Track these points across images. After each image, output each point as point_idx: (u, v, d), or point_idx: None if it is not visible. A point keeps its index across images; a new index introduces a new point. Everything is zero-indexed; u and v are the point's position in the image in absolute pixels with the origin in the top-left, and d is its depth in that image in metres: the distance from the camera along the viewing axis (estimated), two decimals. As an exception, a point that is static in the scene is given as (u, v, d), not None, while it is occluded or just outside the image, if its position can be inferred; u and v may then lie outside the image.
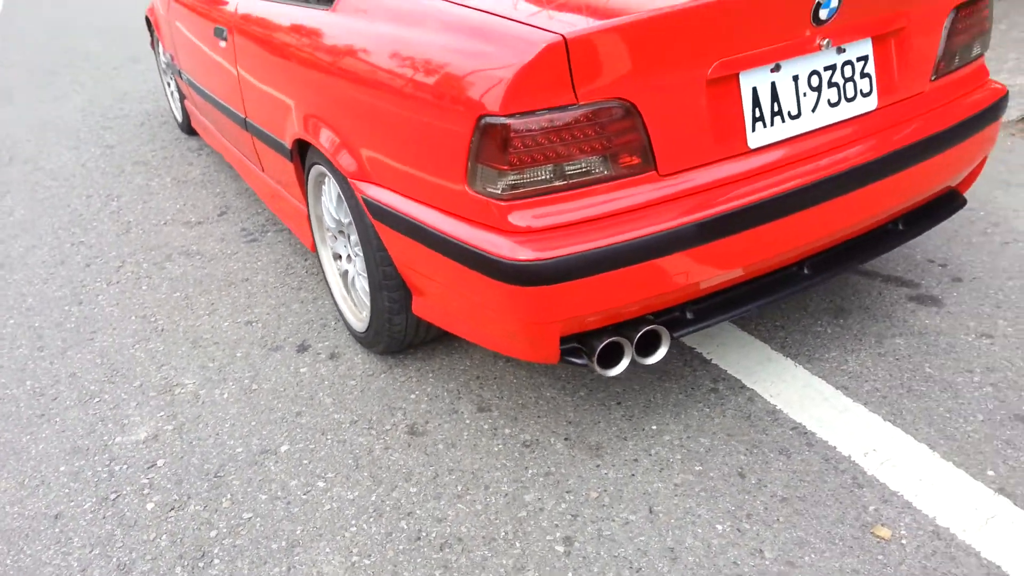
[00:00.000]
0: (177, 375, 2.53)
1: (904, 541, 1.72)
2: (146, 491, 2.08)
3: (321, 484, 2.04)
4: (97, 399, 2.46)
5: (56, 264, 3.35)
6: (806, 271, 2.06)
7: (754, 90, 1.82)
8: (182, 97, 4.41)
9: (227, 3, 2.98)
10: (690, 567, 1.71)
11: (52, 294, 3.11)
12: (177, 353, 2.64)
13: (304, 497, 2.01)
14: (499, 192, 1.69)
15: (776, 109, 1.85)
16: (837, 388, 2.18)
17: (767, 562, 1.71)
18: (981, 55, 2.28)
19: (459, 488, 1.98)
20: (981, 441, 1.96)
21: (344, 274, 2.59)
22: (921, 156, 2.02)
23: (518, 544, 1.82)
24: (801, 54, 1.83)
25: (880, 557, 1.69)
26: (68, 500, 2.07)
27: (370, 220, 2.11)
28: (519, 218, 1.70)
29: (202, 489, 2.07)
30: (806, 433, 2.04)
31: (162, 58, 4.63)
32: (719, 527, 1.81)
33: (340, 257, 2.58)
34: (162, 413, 2.37)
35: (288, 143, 2.51)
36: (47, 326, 2.89)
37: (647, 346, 1.91)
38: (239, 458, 2.16)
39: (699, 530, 1.80)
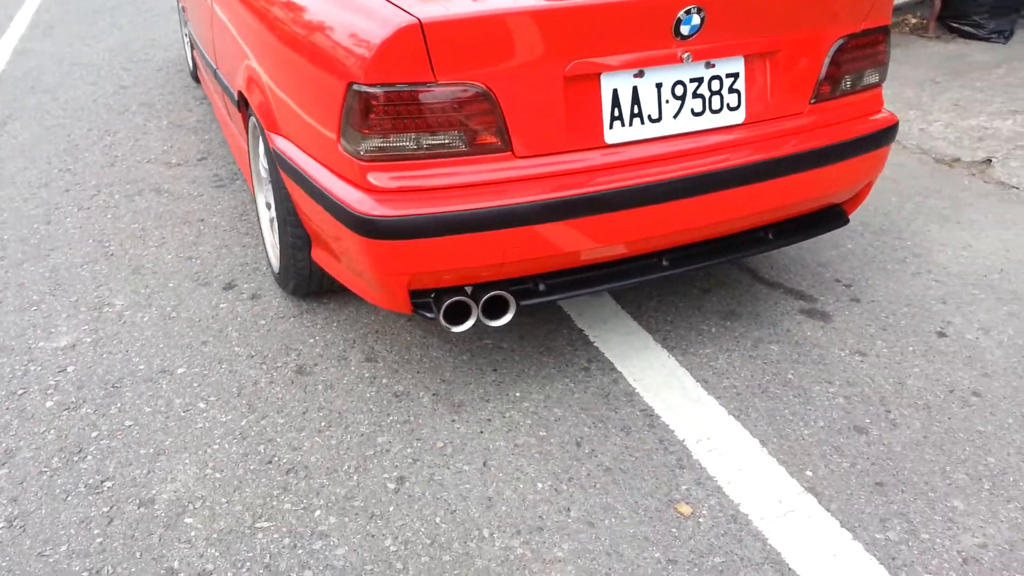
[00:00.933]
0: (110, 296, 2.74)
1: (701, 520, 1.85)
2: (50, 391, 2.29)
3: (201, 405, 2.23)
4: (35, 308, 2.68)
5: (39, 186, 3.59)
6: (665, 263, 2.19)
7: (615, 91, 1.95)
8: (192, 46, 4.63)
9: None
10: (500, 515, 1.86)
11: (27, 212, 3.35)
12: (117, 277, 2.85)
13: (183, 414, 2.19)
14: (361, 153, 1.85)
15: (636, 111, 1.99)
16: (698, 381, 2.30)
17: (570, 520, 1.85)
18: (876, 85, 2.37)
19: (322, 424, 2.15)
20: (812, 444, 2.07)
21: (272, 220, 2.77)
22: (785, 171, 2.13)
23: (355, 477, 1.98)
24: (664, 64, 1.97)
25: (673, 530, 1.82)
26: (-21, 389, 2.29)
27: (277, 166, 2.28)
28: (376, 178, 1.86)
29: (98, 396, 2.27)
30: (652, 416, 2.17)
31: (178, 7, 4.87)
32: (539, 485, 1.95)
33: (270, 206, 2.76)
34: (86, 327, 2.58)
35: (235, 94, 2.70)
36: (13, 240, 3.12)
37: (498, 310, 2.05)
38: (138, 374, 2.35)
39: (521, 485, 1.94)
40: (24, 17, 6.66)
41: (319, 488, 1.95)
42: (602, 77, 1.93)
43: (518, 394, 2.26)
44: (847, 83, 2.28)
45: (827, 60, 2.19)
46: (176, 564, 1.76)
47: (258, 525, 1.85)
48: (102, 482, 1.98)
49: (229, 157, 3.88)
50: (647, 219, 2.01)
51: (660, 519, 1.85)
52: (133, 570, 1.74)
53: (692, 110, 2.06)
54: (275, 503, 1.91)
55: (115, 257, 2.99)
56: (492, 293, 2.00)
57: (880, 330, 2.52)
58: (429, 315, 2.01)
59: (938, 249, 2.99)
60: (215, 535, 1.82)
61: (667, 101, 2.02)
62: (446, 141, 1.85)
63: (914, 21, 5.49)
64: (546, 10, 1.83)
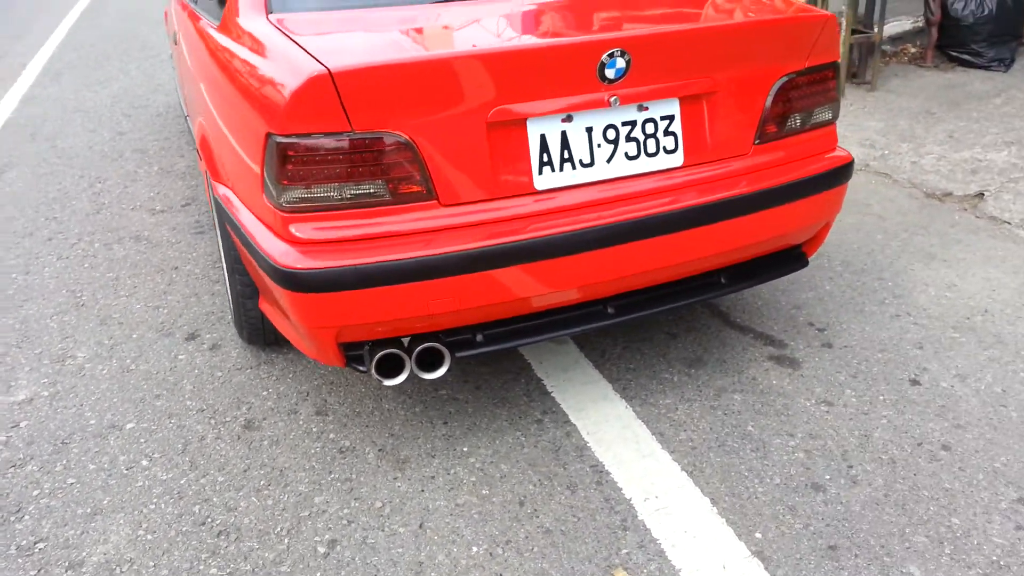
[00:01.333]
0: (74, 348, 2.73)
1: (638, 587, 1.76)
2: (-2, 448, 2.27)
3: (144, 463, 2.20)
4: (-2, 361, 2.68)
5: (24, 235, 3.62)
6: (610, 310, 2.12)
7: (543, 137, 1.91)
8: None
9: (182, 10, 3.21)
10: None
11: (8, 262, 3.38)
12: (84, 328, 2.85)
13: (125, 472, 2.16)
14: (282, 204, 1.82)
15: (566, 156, 1.94)
16: (653, 433, 2.22)
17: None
18: (829, 122, 2.30)
19: (261, 483, 2.11)
20: (765, 504, 1.98)
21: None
22: (729, 214, 2.07)
23: (286, 540, 1.93)
24: (593, 108, 1.92)
25: (608, 599, 1.74)
26: (-73, 446, 2.28)
27: (219, 215, 2.27)
28: (298, 229, 1.83)
29: (46, 452, 2.25)
30: (602, 472, 2.09)
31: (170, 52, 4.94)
32: (474, 549, 1.88)
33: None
34: (45, 380, 2.57)
35: (196, 142, 2.70)
36: (-12, 290, 3.15)
37: (434, 361, 2.00)
38: (88, 429, 2.33)
39: (455, 549, 1.88)
40: (37, 63, 6.82)
41: (247, 552, 1.90)
42: (528, 122, 1.89)
43: (466, 449, 2.20)
44: (794, 122, 2.22)
45: (769, 99, 2.14)
46: (91, 634, 1.71)
47: (181, 592, 1.80)
48: (35, 543, 1.94)
49: (212, 203, 3.90)
50: (582, 267, 1.95)
51: (596, 586, 1.77)
52: (47, 641, 1.70)
53: (626, 154, 2.01)
54: (202, 567, 1.86)
55: (85, 307, 2.99)
56: (424, 345, 1.95)
57: (850, 377, 2.43)
58: (362, 368, 1.97)
59: (920, 289, 2.89)
60: (135, 603, 1.78)
61: (599, 145, 1.97)
62: (368, 191, 1.82)
63: (913, 50, 5.40)
64: (462, 57, 1.80)
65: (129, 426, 2.34)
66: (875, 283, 2.94)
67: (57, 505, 2.06)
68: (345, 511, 2.00)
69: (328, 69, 1.70)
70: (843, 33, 4.48)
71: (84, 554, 1.91)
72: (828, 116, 2.29)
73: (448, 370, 2.01)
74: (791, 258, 2.38)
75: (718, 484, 2.04)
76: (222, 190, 2.21)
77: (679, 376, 2.46)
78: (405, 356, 1.96)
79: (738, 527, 1.91)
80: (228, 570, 1.85)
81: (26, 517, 2.03)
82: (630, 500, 2.00)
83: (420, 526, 1.95)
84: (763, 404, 2.32)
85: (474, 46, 1.88)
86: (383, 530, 1.94)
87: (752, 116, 2.13)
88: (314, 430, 2.29)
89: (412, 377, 2.02)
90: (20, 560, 1.90)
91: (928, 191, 3.67)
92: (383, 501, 2.03)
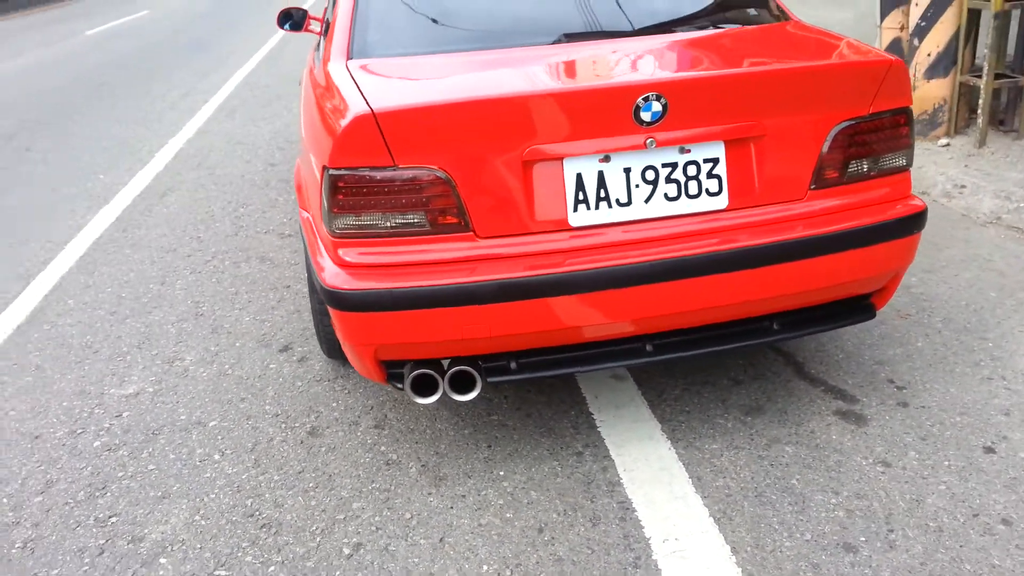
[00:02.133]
0: (185, 351, 3.04)
1: (635, 625, 1.76)
2: (101, 433, 2.58)
3: (216, 456, 2.42)
4: (120, 358, 3.03)
5: (168, 251, 4.06)
6: (648, 347, 2.13)
7: (578, 176, 1.98)
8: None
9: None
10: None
11: (150, 273, 3.80)
12: (197, 335, 3.17)
13: (198, 464, 2.39)
14: (334, 230, 1.99)
15: (603, 195, 1.99)
16: (691, 477, 2.19)
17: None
18: (900, 169, 2.21)
19: (310, 485, 2.27)
20: (788, 559, 1.91)
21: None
22: (776, 259, 2.03)
23: (318, 539, 2.07)
24: (630, 150, 1.97)
25: (601, 632, 1.74)
26: (49, 426, 2.62)
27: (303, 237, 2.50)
28: (346, 253, 2.00)
29: (137, 440, 2.53)
30: (628, 509, 2.09)
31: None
32: (485, 568, 1.94)
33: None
34: (153, 378, 2.88)
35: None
36: (128, 297, 3.56)
37: (467, 384, 2.09)
38: (178, 424, 2.60)
39: (467, 566, 1.94)
40: (216, 100, 7.59)
41: (282, 545, 2.05)
42: (565, 161, 1.97)
43: (502, 473, 2.26)
44: (859, 168, 2.15)
45: (826, 145, 2.09)
46: (133, 601, 1.91)
47: (216, 573, 1.97)
48: (109, 517, 2.19)
49: (333, 229, 4.20)
50: (615, 303, 1.99)
51: (592, 618, 1.78)
52: (97, 602, 1.92)
53: (666, 195, 2.03)
54: (239, 554, 2.03)
55: (203, 317, 3.32)
56: (456, 368, 2.05)
57: (918, 439, 2.29)
58: (399, 385, 2.09)
59: (1021, 355, 2.67)
60: (177, 579, 1.97)
61: (636, 186, 2.01)
62: (409, 221, 1.96)
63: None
64: (499, 99, 1.93)
65: (212, 424, 2.58)
66: (974, 342, 2.75)
67: (135, 487, 2.31)
68: (376, 519, 2.12)
69: (372, 110, 1.87)
70: (985, 78, 4.22)
71: (146, 531, 2.13)
72: (900, 163, 2.21)
73: (479, 393, 2.09)
74: (857, 308, 2.30)
75: (744, 534, 1.99)
76: (304, 215, 2.43)
77: (733, 423, 2.41)
78: (439, 377, 2.06)
79: (754, 578, 1.86)
80: (262, 560, 2.00)
81: (108, 494, 2.29)
82: (649, 539, 1.99)
83: (440, 540, 2.03)
84: (815, 459, 2.23)
85: (510, 89, 1.99)
86: (406, 540, 2.04)
87: (807, 161, 2.09)
88: (368, 441, 2.43)
89: (447, 398, 2.11)
90: (95, 530, 2.15)
91: (1063, 250, 3.38)
92: (412, 513, 2.13)
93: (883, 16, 4.79)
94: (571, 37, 2.41)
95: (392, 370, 2.13)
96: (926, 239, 3.52)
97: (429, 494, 2.20)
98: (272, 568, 1.98)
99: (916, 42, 4.54)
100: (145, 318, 3.35)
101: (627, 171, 2.00)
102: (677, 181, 2.03)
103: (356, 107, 1.92)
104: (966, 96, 4.57)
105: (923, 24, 4.48)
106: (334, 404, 2.64)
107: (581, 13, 2.46)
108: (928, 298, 3.06)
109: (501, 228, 1.98)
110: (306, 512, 2.16)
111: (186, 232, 4.32)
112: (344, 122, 1.90)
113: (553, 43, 2.38)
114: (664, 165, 2.02)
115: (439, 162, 1.92)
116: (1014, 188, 3.90)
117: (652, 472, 2.22)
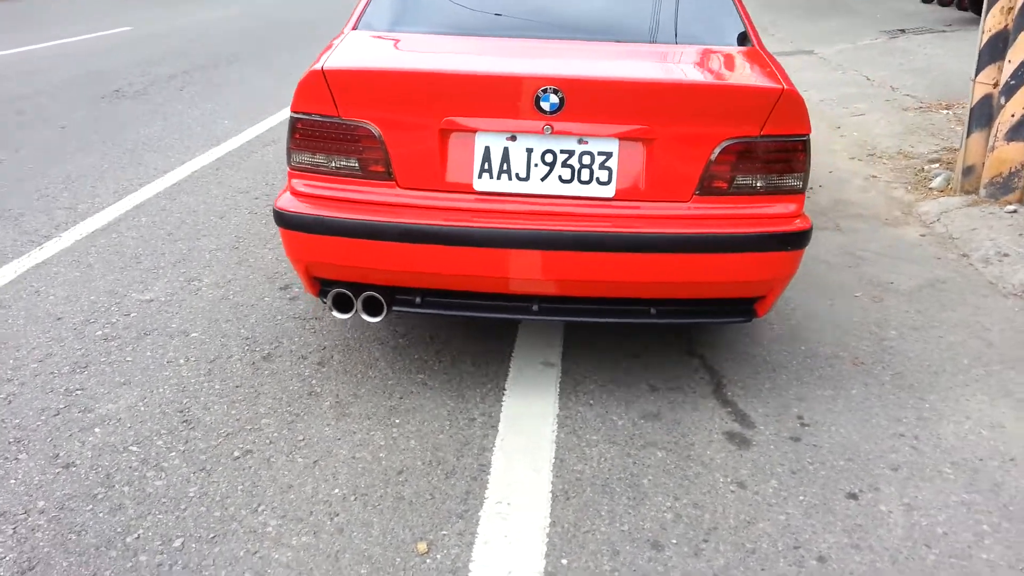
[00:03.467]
0: (206, 274, 3.50)
1: (431, 561, 1.98)
2: (107, 325, 3.05)
3: (181, 361, 2.83)
4: (155, 271, 3.52)
5: (242, 191, 4.58)
6: (535, 308, 2.48)
7: (487, 148, 2.35)
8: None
9: None
10: (286, 500, 2.17)
11: (216, 207, 4.31)
12: (225, 262, 3.62)
13: (164, 363, 2.81)
14: (291, 163, 2.47)
15: (505, 168, 2.36)
16: (556, 458, 2.37)
17: (331, 524, 2.09)
18: (792, 190, 2.40)
19: (239, 397, 2.62)
20: (594, 541, 2.06)
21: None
22: (648, 249, 2.30)
23: (220, 440, 2.42)
24: (532, 133, 2.32)
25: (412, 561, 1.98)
26: (72, 312, 3.13)
27: None
28: (296, 184, 2.48)
29: (130, 336, 2.98)
30: (485, 472, 2.31)
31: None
32: (336, 491, 2.22)
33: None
34: (170, 289, 3.34)
35: None
36: (188, 223, 4.08)
37: (377, 308, 2.49)
38: (168, 329, 3.04)
39: (323, 486, 2.23)
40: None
41: (190, 438, 2.42)
42: (477, 135, 2.33)
43: (397, 421, 2.53)
44: (747, 182, 2.37)
45: (713, 156, 2.33)
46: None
47: (130, 447, 2.37)
48: (76, 389, 2.65)
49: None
50: (503, 261, 2.34)
51: (404, 551, 2.02)
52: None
53: (560, 177, 2.35)
54: (153, 438, 2.42)
55: (236, 250, 3.77)
56: (367, 293, 2.46)
57: (788, 472, 2.35)
58: (324, 301, 2.50)
59: (954, 420, 2.62)
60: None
61: (536, 165, 2.34)
62: (347, 164, 2.40)
63: None
64: (423, 72, 2.37)
65: (194, 335, 3.00)
66: (911, 400, 2.72)
67: (108, 371, 2.76)
68: (275, 435, 2.45)
69: (323, 68, 2.33)
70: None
71: (97, 405, 2.57)
72: (793, 184, 2.41)
73: (386, 315, 2.50)
74: (736, 310, 2.50)
75: (571, 512, 2.16)
76: None
77: (625, 423, 2.55)
78: (354, 297, 2.44)
79: (554, 550, 2.03)
80: (169, 445, 2.38)
81: (86, 372, 2.75)
82: (486, 499, 2.20)
83: (314, 463, 2.33)
84: (676, 467, 2.35)
85: (435, 66, 2.40)
86: (287, 456, 2.35)
87: (695, 168, 2.33)
88: (305, 374, 2.77)
89: (358, 319, 2.56)
90: (61, 396, 2.61)
91: (1074, 332, 3.21)
92: (305, 437, 2.44)
93: (978, 71, 4.59)
94: (517, 33, 2.79)
95: (325, 288, 2.51)
96: (935, 300, 3.46)
97: (327, 425, 2.50)
98: (172, 454, 2.35)
99: (1003, 100, 4.35)
100: (193, 243, 3.85)
101: (529, 151, 2.34)
102: (572, 167, 2.34)
103: (314, 65, 2.35)
104: (1048, 164, 4.32)
105: (1013, 83, 4.28)
106: (296, 339, 2.99)
107: (536, 16, 2.89)
108: (895, 352, 3.03)
109: (418, 183, 2.37)
110: (224, 417, 2.52)
111: (265, 179, 4.84)
112: (304, 75, 2.32)
113: (500, 36, 2.78)
114: (562, 151, 2.33)
115: (372, 118, 2.33)
116: (1058, 263, 3.71)
117: (524, 446, 2.41)
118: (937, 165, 5.31)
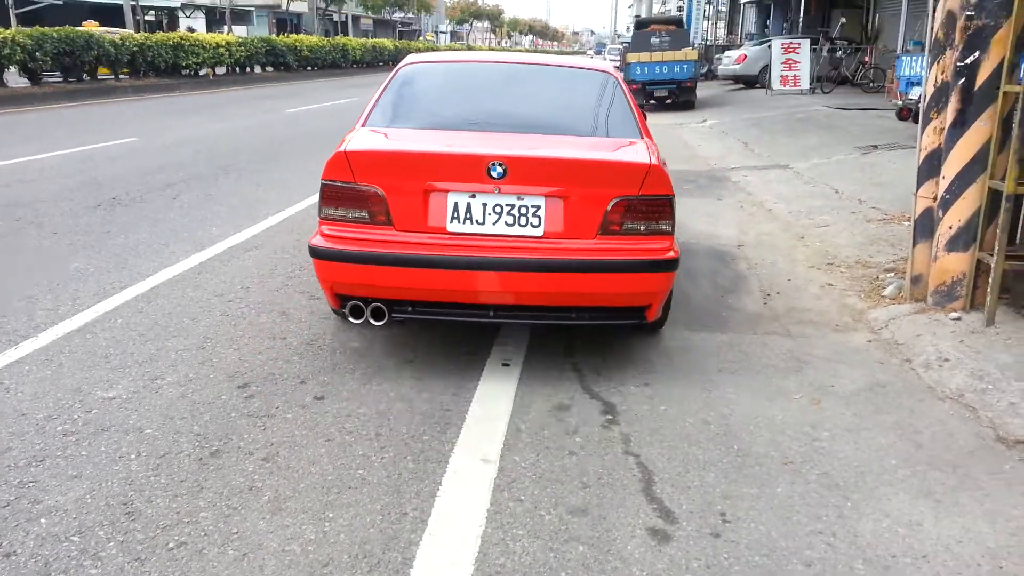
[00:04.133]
0: (169, 373, 3.65)
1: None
2: (68, 421, 3.18)
3: (133, 456, 2.95)
4: (121, 369, 3.68)
5: (217, 295, 4.78)
6: (491, 313, 3.52)
7: (455, 203, 3.42)
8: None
9: None
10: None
11: (189, 310, 4.50)
12: (189, 362, 3.77)
13: (117, 458, 2.93)
14: (321, 215, 3.55)
15: (468, 216, 3.42)
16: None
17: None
18: (664, 232, 3.52)
19: (192, 489, 2.73)
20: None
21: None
22: (566, 270, 3.36)
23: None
24: (486, 192, 3.40)
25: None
26: (36, 409, 3.27)
27: None
28: (324, 228, 3.54)
29: (88, 432, 3.11)
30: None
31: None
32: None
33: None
34: (132, 387, 3.48)
35: None
36: (160, 325, 4.25)
37: (381, 316, 3.52)
38: (124, 426, 3.16)
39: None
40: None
41: (131, 531, 2.51)
42: (449, 194, 3.41)
43: (331, 515, 2.62)
44: (632, 226, 3.44)
45: (608, 208, 3.42)
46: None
47: (71, 538, 2.46)
48: (29, 482, 2.75)
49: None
50: (467, 279, 3.37)
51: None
52: None
53: (506, 222, 3.43)
54: (96, 529, 2.51)
55: (203, 350, 3.93)
56: (374, 304, 3.47)
57: (704, 568, 2.43)
58: (343, 311, 3.51)
59: (877, 518, 2.70)
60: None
61: (489, 214, 3.42)
62: (359, 215, 3.46)
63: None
64: (413, 153, 3.59)
65: (148, 431, 3.13)
66: (833, 499, 2.81)
67: (62, 464, 2.87)
68: (210, 528, 2.54)
69: (345, 151, 3.44)
70: (996, 257, 4.20)
71: (46, 497, 2.67)
72: (664, 228, 3.49)
73: (387, 320, 3.55)
74: (632, 315, 3.57)
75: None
76: None
77: (552, 518, 2.64)
78: (365, 307, 3.48)
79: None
80: (108, 537, 2.48)
81: (41, 466, 2.86)
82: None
83: (243, 555, 2.42)
84: (596, 561, 2.43)
85: (421, 148, 3.61)
86: (219, 548, 2.45)
87: (596, 216, 3.43)
88: (249, 469, 2.87)
89: (369, 325, 3.72)
90: (14, 488, 2.71)
91: (1004, 435, 3.32)
92: (239, 531, 2.54)
93: (919, 185, 4.86)
94: (477, 127, 3.93)
95: (344, 301, 3.54)
96: (872, 403, 3.59)
97: (262, 519, 2.59)
98: (111, 544, 2.45)
99: (941, 213, 4.58)
100: (162, 343, 4.01)
101: (484, 204, 3.42)
102: (514, 215, 3.42)
103: (338, 148, 3.49)
104: (985, 274, 4.52)
105: (947, 197, 4.53)
106: (246, 435, 3.11)
107: (490, 116, 4.08)
108: (825, 453, 3.13)
109: (409, 226, 3.43)
110: (164, 510, 2.62)
111: (242, 283, 5.04)
112: (331, 156, 3.45)
113: (465, 130, 3.90)
114: (507, 204, 3.42)
115: (378, 183, 3.41)
116: (993, 370, 3.85)
117: (449, 540, 2.50)
118: (892, 274, 5.51)
